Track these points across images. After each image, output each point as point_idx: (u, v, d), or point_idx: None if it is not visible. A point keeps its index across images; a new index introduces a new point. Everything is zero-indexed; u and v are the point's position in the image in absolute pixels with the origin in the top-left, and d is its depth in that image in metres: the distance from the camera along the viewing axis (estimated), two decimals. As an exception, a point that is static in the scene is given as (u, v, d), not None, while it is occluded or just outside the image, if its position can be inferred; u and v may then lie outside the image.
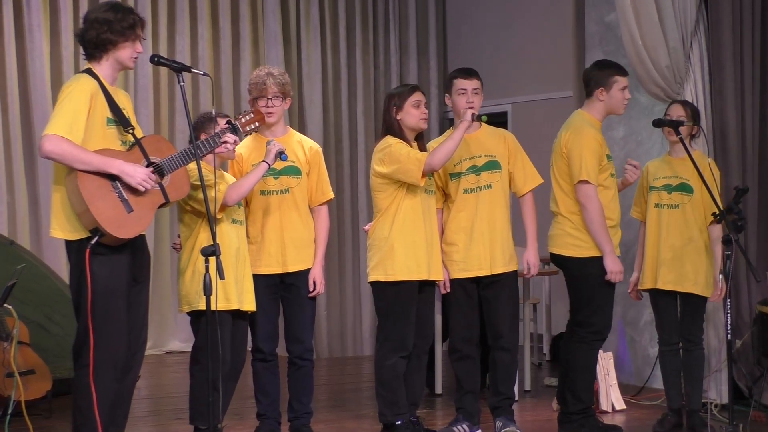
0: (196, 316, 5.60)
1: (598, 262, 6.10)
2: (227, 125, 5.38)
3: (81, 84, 4.93)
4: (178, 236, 5.78)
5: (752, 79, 7.36)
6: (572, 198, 6.15)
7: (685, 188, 6.35)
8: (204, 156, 5.20)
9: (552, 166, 6.24)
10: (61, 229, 4.93)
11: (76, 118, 4.83)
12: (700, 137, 6.64)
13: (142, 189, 4.88)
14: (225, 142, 5.26)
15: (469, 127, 5.99)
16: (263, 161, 5.69)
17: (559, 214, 6.22)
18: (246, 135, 5.59)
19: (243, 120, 5.46)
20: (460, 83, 6.18)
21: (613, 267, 6.07)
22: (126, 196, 4.88)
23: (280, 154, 5.69)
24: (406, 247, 5.98)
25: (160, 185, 4.99)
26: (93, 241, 4.82)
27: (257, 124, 5.54)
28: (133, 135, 5.01)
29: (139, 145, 5.00)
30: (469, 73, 6.22)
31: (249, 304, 5.69)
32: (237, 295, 5.58)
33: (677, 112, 6.43)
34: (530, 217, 6.22)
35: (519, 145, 6.28)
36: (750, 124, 7.34)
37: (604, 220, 6.07)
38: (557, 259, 6.29)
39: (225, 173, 5.76)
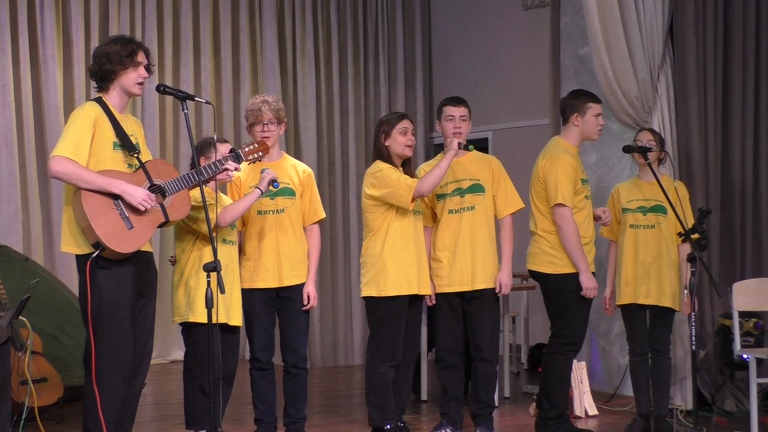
0: (186, 328, 5.62)
1: (572, 278, 6.11)
2: (231, 153, 5.37)
3: (85, 110, 4.97)
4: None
5: (714, 109, 7.40)
6: (549, 219, 6.16)
7: (660, 209, 6.38)
8: (207, 180, 5.21)
9: (531, 189, 6.26)
10: (70, 244, 4.97)
11: (80, 142, 4.87)
12: (667, 162, 6.67)
13: (142, 208, 4.90)
14: (227, 169, 5.26)
15: (455, 156, 6.00)
16: (257, 188, 5.69)
17: (536, 234, 6.23)
18: (249, 163, 5.57)
19: (246, 149, 5.46)
20: (449, 110, 6.20)
21: (588, 283, 6.08)
22: (127, 214, 4.90)
23: (273, 182, 5.69)
24: (398, 265, 5.99)
25: (161, 205, 5.00)
26: (94, 255, 4.85)
27: (260, 154, 5.52)
28: (138, 158, 5.02)
29: (144, 168, 5.01)
30: (457, 101, 6.24)
31: (236, 319, 5.68)
32: (225, 310, 5.55)
33: (647, 138, 6.47)
34: (507, 239, 6.22)
35: (504, 171, 6.28)
36: (713, 150, 7.37)
37: (579, 240, 6.08)
38: (534, 276, 6.31)
39: (223, 195, 5.76)
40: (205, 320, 5.02)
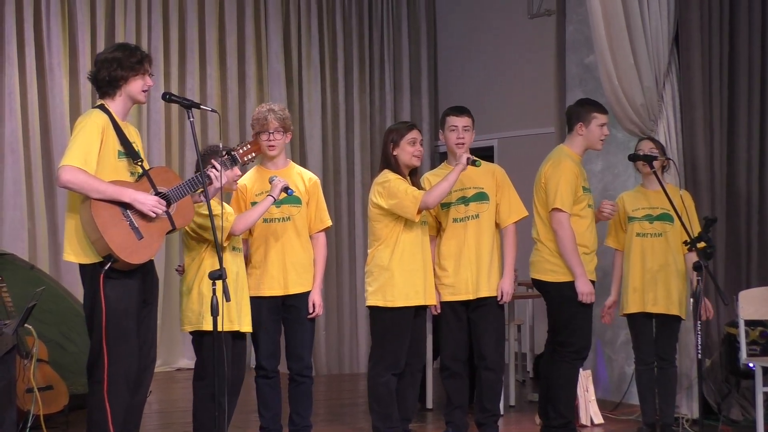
0: (198, 336, 5.60)
1: (574, 285, 6.07)
2: (226, 156, 5.37)
3: (92, 118, 4.95)
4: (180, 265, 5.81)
5: (720, 118, 7.40)
6: (550, 226, 6.15)
7: (666, 218, 6.37)
8: (208, 184, 5.20)
9: (534, 196, 6.25)
10: (75, 253, 4.97)
11: (89, 150, 4.85)
12: (671, 170, 6.66)
13: (153, 215, 4.89)
14: (213, 167, 5.23)
15: (463, 170, 5.98)
16: (269, 195, 5.68)
17: (539, 241, 6.21)
18: (244, 165, 5.56)
19: (241, 150, 5.44)
20: (452, 120, 6.19)
21: (583, 288, 6.04)
22: (136, 224, 4.89)
23: (285, 189, 5.70)
24: (405, 275, 5.98)
25: (167, 213, 5.00)
26: (107, 267, 4.83)
27: (254, 154, 5.52)
28: (142, 167, 5.02)
29: (147, 176, 5.01)
30: (460, 111, 6.22)
31: (247, 326, 5.67)
32: (237, 317, 5.56)
33: (648, 146, 6.47)
34: (510, 248, 6.21)
35: (507, 179, 6.27)
36: (718, 158, 7.37)
37: (575, 246, 6.05)
38: (537, 284, 6.28)
39: (226, 205, 5.74)
40: (218, 328, 5.07)
